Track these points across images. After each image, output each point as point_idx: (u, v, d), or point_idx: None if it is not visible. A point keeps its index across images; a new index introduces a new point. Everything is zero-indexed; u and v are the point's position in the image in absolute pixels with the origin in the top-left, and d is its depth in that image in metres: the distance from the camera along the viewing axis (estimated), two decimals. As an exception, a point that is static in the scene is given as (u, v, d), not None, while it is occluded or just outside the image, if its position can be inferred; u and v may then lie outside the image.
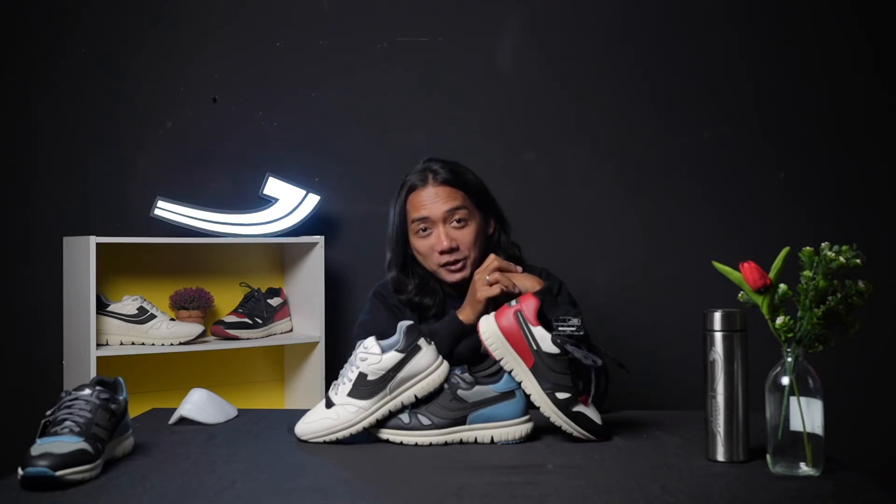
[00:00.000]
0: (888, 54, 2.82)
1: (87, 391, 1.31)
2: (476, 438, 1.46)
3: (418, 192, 1.91)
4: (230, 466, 1.32)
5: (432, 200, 1.89)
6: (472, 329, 1.71)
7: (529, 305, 1.47)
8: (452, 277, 1.89)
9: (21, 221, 2.64)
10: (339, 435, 1.45)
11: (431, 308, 1.92)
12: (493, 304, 1.73)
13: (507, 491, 1.18)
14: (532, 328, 1.45)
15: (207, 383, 1.87)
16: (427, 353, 1.46)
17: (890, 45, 2.82)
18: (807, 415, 1.23)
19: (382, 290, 1.97)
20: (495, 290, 1.76)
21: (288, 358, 2.77)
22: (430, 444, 1.44)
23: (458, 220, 1.88)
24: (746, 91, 2.82)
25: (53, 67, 2.67)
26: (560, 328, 1.44)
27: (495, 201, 1.97)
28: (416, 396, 1.45)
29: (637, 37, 2.84)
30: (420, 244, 1.90)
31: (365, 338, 1.48)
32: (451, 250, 1.87)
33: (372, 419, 1.44)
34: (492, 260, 1.81)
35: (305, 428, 1.47)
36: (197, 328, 2.46)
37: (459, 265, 1.88)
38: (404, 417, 1.46)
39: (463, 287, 1.88)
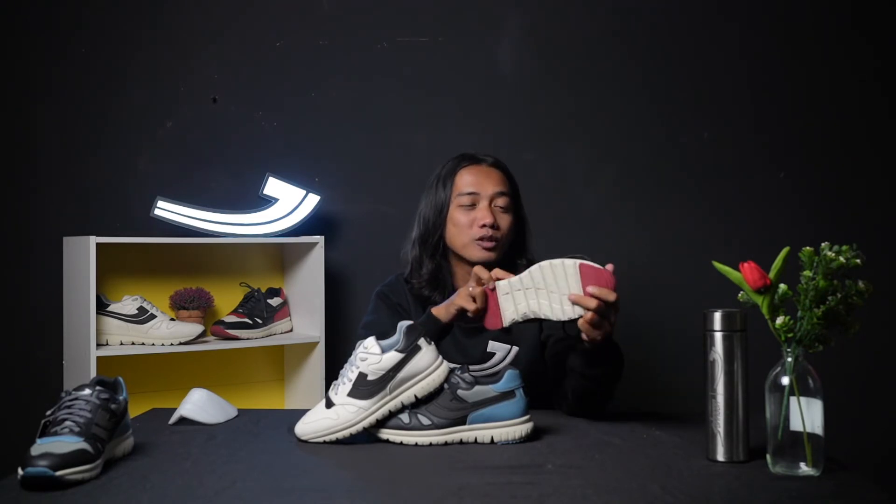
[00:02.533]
0: (888, 55, 2.81)
1: (87, 391, 1.31)
2: (476, 438, 1.46)
3: (471, 167, 1.95)
4: (230, 466, 1.32)
5: (485, 177, 1.93)
6: (447, 326, 1.67)
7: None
8: (482, 255, 1.88)
9: (21, 221, 2.64)
10: (339, 435, 1.45)
11: (437, 304, 1.92)
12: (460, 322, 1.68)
13: (507, 491, 1.18)
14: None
15: (207, 383, 1.87)
16: (427, 353, 1.46)
17: (890, 46, 2.82)
18: (807, 415, 1.23)
19: (386, 289, 1.98)
20: (469, 305, 1.59)
21: (288, 358, 2.77)
22: (430, 444, 1.44)
23: (503, 206, 1.92)
24: (746, 91, 2.82)
25: (53, 67, 2.67)
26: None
27: (523, 208, 2.00)
28: (416, 396, 1.45)
29: (637, 37, 2.84)
30: (462, 216, 1.91)
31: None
32: (492, 226, 1.89)
33: (372, 419, 1.44)
34: (489, 274, 1.61)
35: (305, 428, 1.47)
36: (197, 328, 2.46)
37: (493, 244, 1.89)
38: (404, 417, 1.46)
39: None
